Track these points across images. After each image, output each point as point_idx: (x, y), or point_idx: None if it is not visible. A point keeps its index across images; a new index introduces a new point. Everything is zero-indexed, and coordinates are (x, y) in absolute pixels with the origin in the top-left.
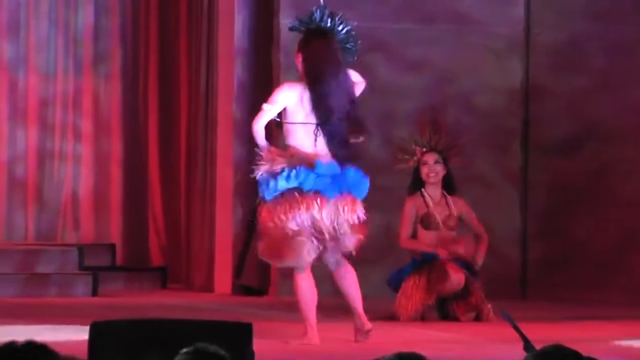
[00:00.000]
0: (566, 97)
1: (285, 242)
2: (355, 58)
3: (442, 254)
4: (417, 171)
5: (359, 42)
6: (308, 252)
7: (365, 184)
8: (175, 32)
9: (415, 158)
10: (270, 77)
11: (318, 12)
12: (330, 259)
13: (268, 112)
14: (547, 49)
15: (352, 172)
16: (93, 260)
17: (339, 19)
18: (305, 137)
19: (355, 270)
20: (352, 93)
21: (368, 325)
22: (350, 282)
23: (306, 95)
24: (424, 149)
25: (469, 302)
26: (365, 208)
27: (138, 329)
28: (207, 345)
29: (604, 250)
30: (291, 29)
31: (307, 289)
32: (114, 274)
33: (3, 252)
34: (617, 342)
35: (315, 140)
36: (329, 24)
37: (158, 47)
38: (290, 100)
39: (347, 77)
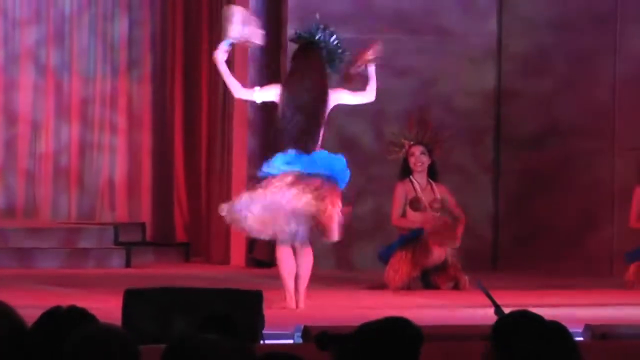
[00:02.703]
0: (533, 98)
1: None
2: (342, 64)
3: (427, 226)
4: (405, 161)
5: (347, 52)
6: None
7: (342, 165)
8: (198, 41)
9: (404, 150)
10: (279, 79)
11: (314, 26)
12: (299, 237)
13: (255, 91)
14: (516, 57)
15: (322, 155)
16: (126, 236)
17: (329, 32)
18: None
19: (351, 245)
20: (322, 98)
21: (301, 304)
22: (306, 265)
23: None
24: (412, 142)
25: (448, 273)
26: (359, 193)
27: (165, 295)
28: (221, 309)
29: (565, 229)
30: (291, 40)
31: (285, 261)
32: (144, 248)
33: (49, 229)
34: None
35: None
36: (319, 36)
37: (183, 54)
38: (275, 96)
39: (319, 81)
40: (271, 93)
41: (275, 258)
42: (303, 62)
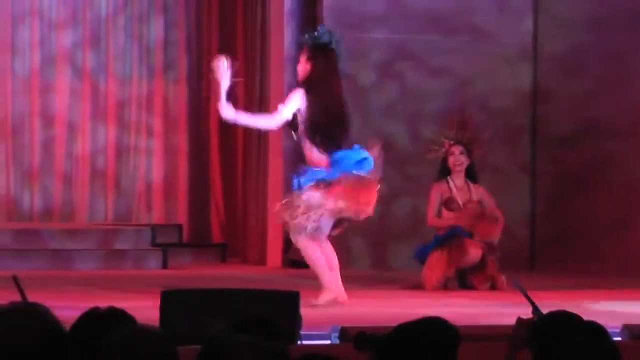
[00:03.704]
0: (569, 98)
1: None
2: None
3: (463, 222)
4: (444, 160)
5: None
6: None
7: (363, 157)
8: (233, 43)
9: (443, 149)
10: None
11: (325, 31)
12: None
13: (282, 111)
14: (552, 56)
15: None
16: (163, 238)
17: (337, 37)
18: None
19: (387, 245)
20: (345, 102)
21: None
22: (333, 255)
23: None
24: (452, 142)
25: (485, 273)
26: (395, 193)
27: (202, 296)
28: (258, 310)
29: (602, 228)
30: (304, 43)
31: (316, 252)
32: (181, 249)
33: (86, 231)
34: (616, 307)
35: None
36: (331, 41)
37: (218, 55)
38: (298, 102)
39: (341, 86)
40: (295, 103)
41: (306, 255)
42: (326, 67)
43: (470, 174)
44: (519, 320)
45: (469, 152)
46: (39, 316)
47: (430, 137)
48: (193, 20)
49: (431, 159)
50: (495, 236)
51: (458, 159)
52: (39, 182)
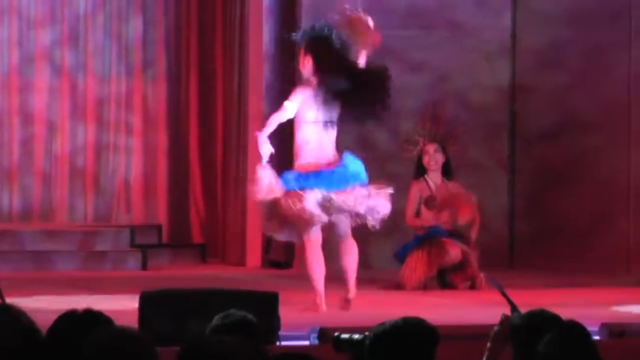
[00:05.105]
0: (547, 93)
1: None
2: None
3: (443, 221)
4: (420, 159)
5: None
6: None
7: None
8: (212, 41)
9: (418, 148)
10: (293, 78)
11: (318, 24)
12: (339, 231)
13: (288, 108)
14: (530, 52)
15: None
16: (142, 238)
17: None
18: (313, 135)
19: (368, 244)
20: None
21: (351, 294)
22: (352, 256)
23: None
24: (426, 140)
25: (465, 272)
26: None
27: (182, 297)
28: (237, 311)
29: (581, 224)
30: (294, 37)
31: (316, 262)
32: (160, 250)
33: (65, 232)
34: (593, 306)
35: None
36: (326, 32)
37: (198, 54)
38: (304, 99)
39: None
40: (299, 100)
41: (305, 258)
42: (331, 57)
43: (446, 171)
44: (504, 316)
45: (443, 149)
46: (14, 319)
47: (405, 137)
48: (172, 18)
49: (407, 157)
50: (471, 215)
51: (433, 157)
52: (18, 182)
